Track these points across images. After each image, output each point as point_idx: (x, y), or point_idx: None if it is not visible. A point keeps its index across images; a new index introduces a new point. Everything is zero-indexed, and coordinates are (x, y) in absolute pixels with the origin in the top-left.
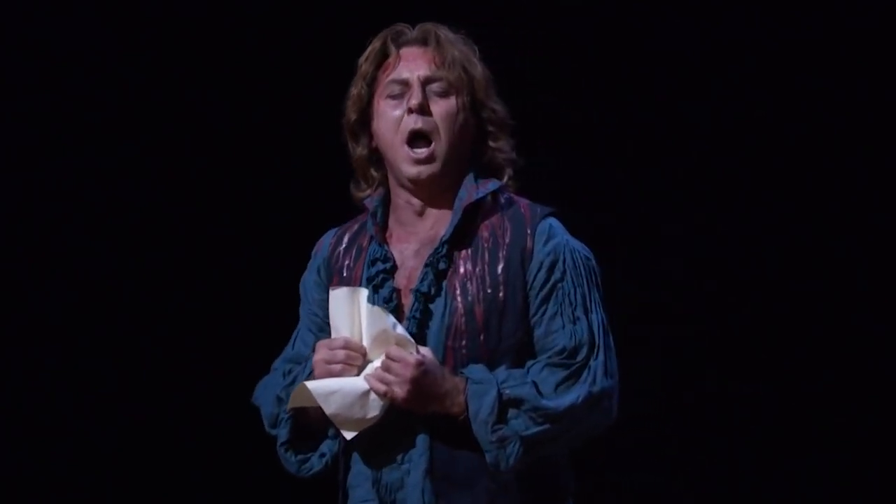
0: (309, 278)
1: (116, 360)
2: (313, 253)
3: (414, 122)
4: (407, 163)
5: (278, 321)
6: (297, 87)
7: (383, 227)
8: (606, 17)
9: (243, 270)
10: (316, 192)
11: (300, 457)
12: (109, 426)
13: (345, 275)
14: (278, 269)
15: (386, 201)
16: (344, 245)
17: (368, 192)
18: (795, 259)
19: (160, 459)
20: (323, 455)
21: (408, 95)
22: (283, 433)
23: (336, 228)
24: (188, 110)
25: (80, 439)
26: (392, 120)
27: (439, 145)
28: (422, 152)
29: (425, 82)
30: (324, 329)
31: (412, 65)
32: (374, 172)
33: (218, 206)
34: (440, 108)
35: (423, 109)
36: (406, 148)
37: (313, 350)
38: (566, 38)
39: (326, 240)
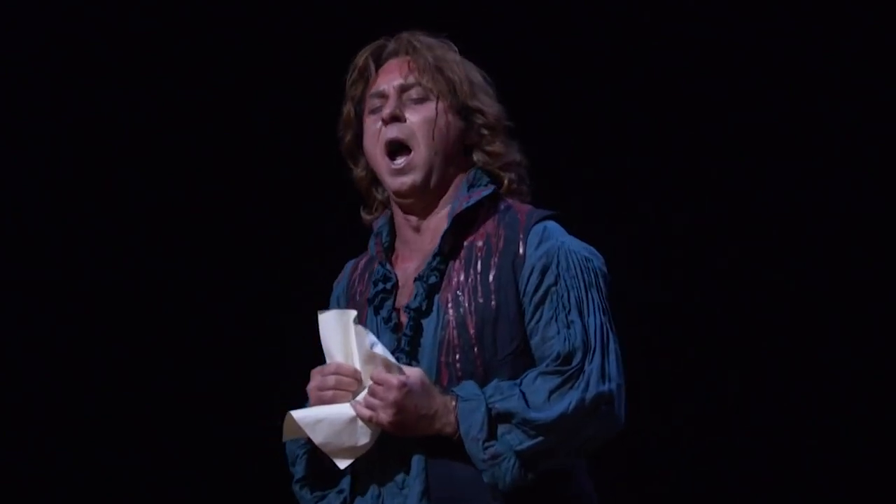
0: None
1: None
2: (334, 284)
3: (388, 132)
4: (388, 175)
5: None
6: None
7: (391, 248)
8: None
9: (266, 299)
10: (340, 220)
11: (316, 493)
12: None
13: (357, 299)
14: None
15: (392, 221)
16: (359, 271)
17: (375, 214)
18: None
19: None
20: (342, 492)
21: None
22: (298, 470)
23: (355, 258)
24: (212, 134)
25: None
26: (372, 132)
27: (418, 153)
28: (400, 162)
29: (401, 90)
30: None
31: (389, 76)
32: (376, 194)
33: (243, 227)
34: (416, 114)
35: (397, 118)
36: (386, 160)
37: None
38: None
39: (346, 269)
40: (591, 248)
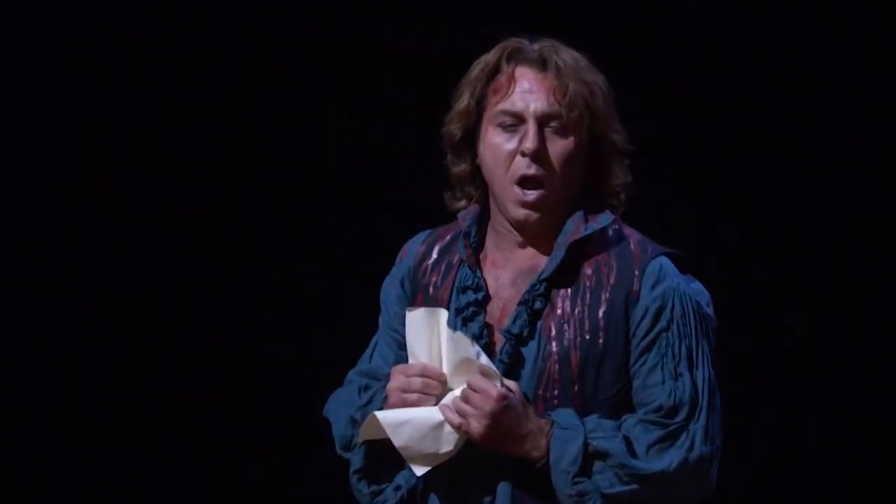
0: (391, 289)
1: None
2: (398, 259)
3: (527, 167)
4: (514, 204)
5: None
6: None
7: (478, 246)
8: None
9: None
10: (340, 220)
11: (373, 488)
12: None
13: (430, 293)
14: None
15: (482, 218)
16: (433, 258)
17: (464, 203)
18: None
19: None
20: (399, 488)
21: (522, 132)
22: (356, 459)
23: (426, 234)
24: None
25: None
26: (502, 156)
27: (551, 191)
28: (532, 195)
29: (543, 119)
30: (404, 347)
31: (528, 95)
32: (473, 190)
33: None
34: (556, 149)
35: (539, 156)
36: (515, 188)
37: (388, 376)
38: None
39: (414, 247)
40: (700, 286)
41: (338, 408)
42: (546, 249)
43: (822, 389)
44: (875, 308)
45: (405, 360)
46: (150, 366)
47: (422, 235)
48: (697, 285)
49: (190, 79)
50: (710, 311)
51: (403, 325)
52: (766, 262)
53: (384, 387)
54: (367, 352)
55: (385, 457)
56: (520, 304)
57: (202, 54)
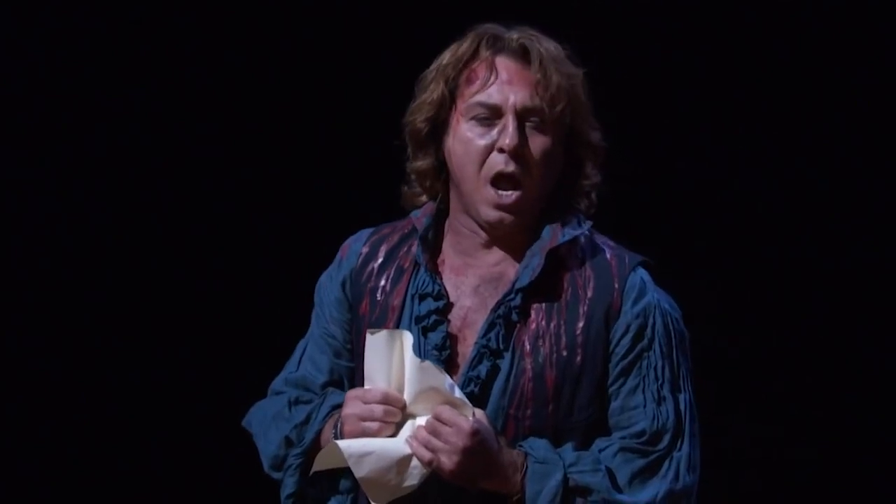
0: (329, 290)
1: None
2: (338, 258)
3: (504, 164)
4: (488, 205)
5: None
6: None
7: (434, 248)
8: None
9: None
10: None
11: None
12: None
13: (378, 298)
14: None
15: (439, 217)
16: (379, 260)
17: (425, 199)
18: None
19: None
20: None
21: (499, 127)
22: (290, 483)
23: (368, 232)
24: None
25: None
26: (475, 151)
27: (528, 192)
28: (508, 196)
29: (522, 114)
30: (341, 354)
31: (507, 87)
32: (436, 184)
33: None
34: (536, 146)
35: (517, 153)
36: (490, 188)
37: (327, 395)
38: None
39: (356, 246)
40: (671, 299)
41: (265, 422)
42: (514, 254)
43: (819, 389)
44: (875, 309)
45: (341, 369)
46: (150, 365)
47: (363, 234)
48: (669, 298)
49: (190, 78)
50: (684, 328)
51: (341, 331)
52: (766, 260)
53: (321, 404)
54: (295, 356)
55: (318, 479)
56: (497, 315)
57: (202, 54)
